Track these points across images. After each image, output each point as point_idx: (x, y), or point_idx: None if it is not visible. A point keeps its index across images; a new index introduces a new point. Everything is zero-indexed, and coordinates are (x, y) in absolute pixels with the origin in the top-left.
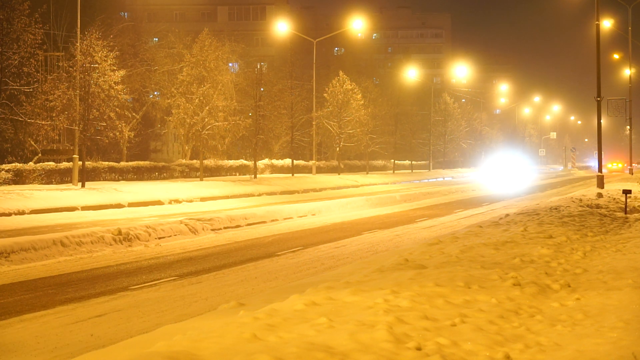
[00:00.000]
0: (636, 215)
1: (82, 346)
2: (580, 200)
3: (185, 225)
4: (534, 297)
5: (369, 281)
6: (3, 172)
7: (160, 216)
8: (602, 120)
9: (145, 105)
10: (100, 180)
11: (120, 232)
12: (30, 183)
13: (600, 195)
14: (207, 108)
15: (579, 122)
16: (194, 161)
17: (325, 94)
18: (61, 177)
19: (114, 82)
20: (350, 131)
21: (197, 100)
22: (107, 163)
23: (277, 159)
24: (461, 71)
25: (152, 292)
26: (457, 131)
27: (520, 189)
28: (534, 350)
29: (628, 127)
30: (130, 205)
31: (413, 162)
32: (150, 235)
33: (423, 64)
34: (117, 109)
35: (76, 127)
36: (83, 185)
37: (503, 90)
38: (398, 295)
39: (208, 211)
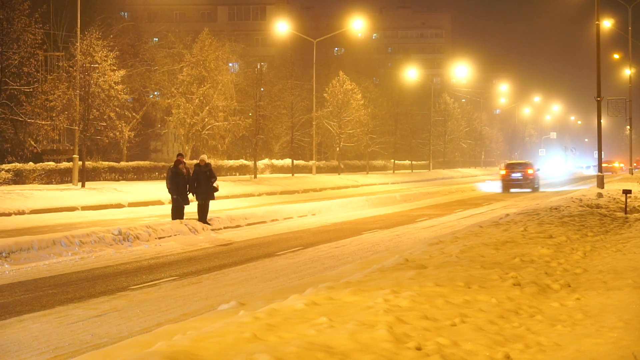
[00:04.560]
0: (636, 215)
1: (82, 346)
2: (580, 200)
3: (185, 225)
4: (534, 297)
5: (369, 281)
6: (3, 172)
7: (160, 216)
8: (602, 120)
9: (145, 105)
10: (100, 180)
11: (120, 232)
12: (30, 183)
13: (600, 195)
14: (207, 108)
15: (579, 122)
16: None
17: (325, 94)
18: (61, 177)
19: (114, 82)
20: (350, 131)
21: (197, 100)
22: (107, 163)
23: (277, 159)
24: (461, 71)
25: (152, 292)
26: (457, 131)
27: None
28: (534, 350)
29: (628, 127)
30: (131, 205)
31: (413, 162)
32: (150, 235)
33: (423, 64)
34: (117, 109)
35: (76, 127)
36: (83, 185)
37: (503, 90)
38: (398, 295)
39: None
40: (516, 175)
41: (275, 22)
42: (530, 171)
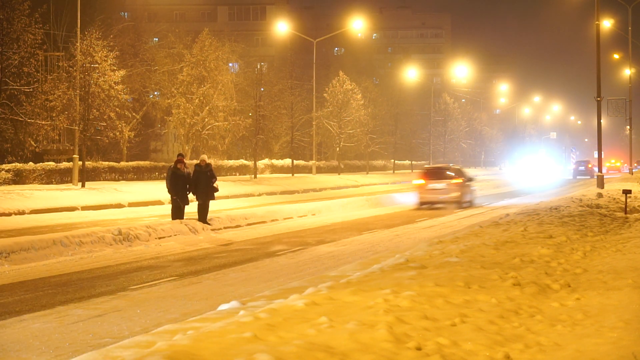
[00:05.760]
0: (636, 215)
1: (82, 346)
2: (580, 200)
3: (185, 225)
4: (534, 297)
5: (369, 281)
6: (3, 172)
7: (160, 216)
8: (602, 120)
9: (145, 105)
10: (100, 180)
11: (120, 232)
12: (30, 183)
13: (600, 195)
14: (207, 108)
15: (579, 122)
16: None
17: (325, 94)
18: (61, 177)
19: (114, 82)
20: (350, 131)
21: (197, 100)
22: (107, 163)
23: (277, 159)
24: (461, 71)
25: (152, 292)
26: (457, 131)
27: (519, 188)
28: (534, 350)
29: (628, 127)
30: (131, 205)
31: (413, 162)
32: (150, 235)
33: (423, 64)
34: (117, 109)
35: (76, 127)
36: (83, 185)
37: (503, 90)
38: (398, 295)
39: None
40: (581, 168)
41: (275, 22)
42: (589, 165)
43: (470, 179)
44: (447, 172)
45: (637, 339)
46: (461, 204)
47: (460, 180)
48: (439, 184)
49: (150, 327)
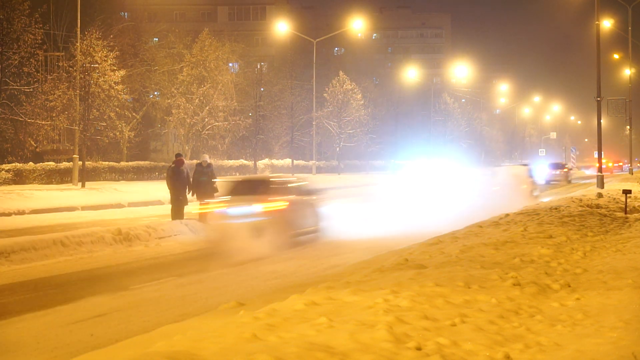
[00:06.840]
0: (636, 215)
1: (82, 346)
2: (580, 200)
3: (186, 225)
4: (534, 297)
5: (369, 281)
6: (3, 172)
7: (160, 216)
8: (602, 120)
9: (145, 105)
10: (100, 180)
11: (120, 232)
12: (30, 183)
13: (600, 195)
14: (207, 108)
15: (579, 122)
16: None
17: (325, 94)
18: (61, 177)
19: (114, 82)
20: (350, 131)
21: (197, 100)
22: (107, 163)
23: (277, 159)
24: (461, 71)
25: (152, 292)
26: (457, 131)
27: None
28: (534, 350)
29: (628, 127)
30: (131, 205)
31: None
32: (150, 235)
33: (423, 64)
34: (117, 109)
35: (76, 127)
36: (83, 185)
37: (503, 90)
38: (398, 295)
39: None
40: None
41: (275, 22)
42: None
43: (570, 169)
44: (561, 164)
45: (637, 339)
46: (567, 181)
47: (566, 169)
48: (557, 171)
49: (150, 327)
